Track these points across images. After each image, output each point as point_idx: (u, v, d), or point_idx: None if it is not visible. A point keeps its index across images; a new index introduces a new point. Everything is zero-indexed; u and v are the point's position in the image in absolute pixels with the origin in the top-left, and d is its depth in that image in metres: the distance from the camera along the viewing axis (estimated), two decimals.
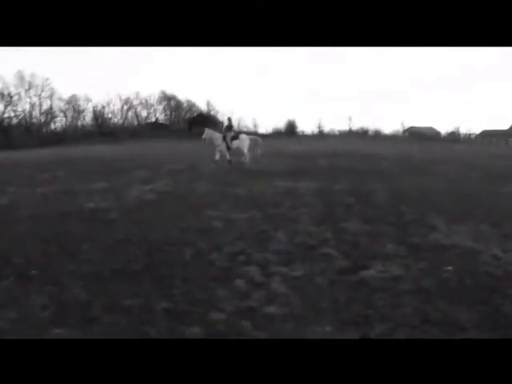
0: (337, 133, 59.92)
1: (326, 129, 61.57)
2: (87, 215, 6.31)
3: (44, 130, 56.74)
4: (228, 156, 14.38)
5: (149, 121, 62.90)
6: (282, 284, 3.40)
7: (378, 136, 54.49)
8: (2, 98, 53.22)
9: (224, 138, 14.44)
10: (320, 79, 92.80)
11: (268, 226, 5.21)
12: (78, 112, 60.32)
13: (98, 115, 60.60)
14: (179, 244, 4.58)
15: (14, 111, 54.59)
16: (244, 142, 14.58)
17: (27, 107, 55.64)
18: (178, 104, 64.98)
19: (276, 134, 55.66)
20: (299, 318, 2.85)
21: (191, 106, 64.49)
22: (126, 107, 62.56)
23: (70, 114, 60.01)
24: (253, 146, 14.73)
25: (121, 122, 61.93)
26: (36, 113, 56.74)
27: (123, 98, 61.38)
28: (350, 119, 72.23)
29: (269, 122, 62.95)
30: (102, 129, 56.71)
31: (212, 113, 60.68)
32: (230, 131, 14.90)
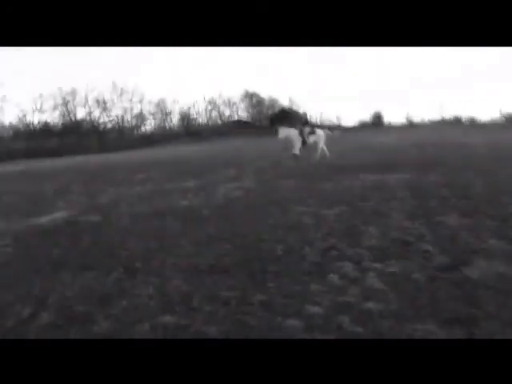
0: (427, 122, 57.13)
1: (416, 119, 58.97)
2: (181, 212, 6.61)
3: (135, 132, 60.28)
4: (300, 151, 14.36)
5: (232, 119, 64.44)
6: (377, 280, 3.33)
7: (472, 124, 51.12)
8: (98, 105, 57.24)
9: (300, 134, 14.39)
10: (320, 79, 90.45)
11: (359, 220, 5.13)
12: (166, 114, 63.34)
13: (185, 116, 63.20)
14: (269, 240, 4.65)
15: (109, 116, 58.55)
16: (320, 137, 14.52)
17: (120, 112, 59.45)
18: (260, 101, 65.95)
19: (361, 127, 54.61)
20: (398, 315, 2.78)
21: (273, 102, 65.17)
22: (210, 107, 64.65)
23: (158, 116, 63.22)
24: (327, 140, 14.70)
25: (206, 121, 64.12)
26: (128, 117, 60.45)
27: (207, 98, 63.48)
28: (442, 107, 68.74)
29: (353, 114, 62.41)
30: (189, 129, 59.05)
31: (294, 108, 60.79)
32: (306, 126, 14.81)
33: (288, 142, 14.46)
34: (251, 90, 65.10)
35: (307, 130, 14.59)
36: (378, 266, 3.62)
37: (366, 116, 61.94)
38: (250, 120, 64.37)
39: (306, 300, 3.04)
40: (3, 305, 3.37)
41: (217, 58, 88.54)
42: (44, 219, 6.88)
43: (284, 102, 64.37)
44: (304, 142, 14.34)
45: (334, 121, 61.30)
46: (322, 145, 14.33)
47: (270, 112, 64.06)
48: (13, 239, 5.59)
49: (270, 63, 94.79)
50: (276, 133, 14.70)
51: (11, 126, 55.78)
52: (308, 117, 15.79)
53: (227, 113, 66.56)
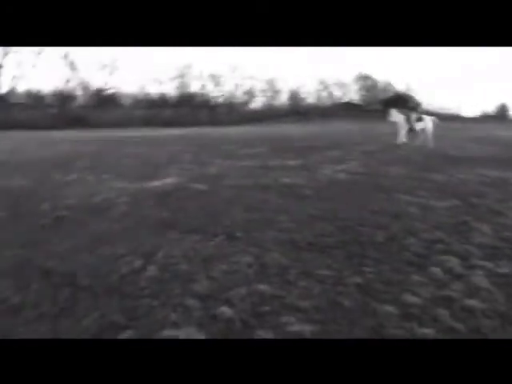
0: None
1: None
2: (283, 189, 6.70)
3: (244, 108, 61.70)
4: (406, 139, 13.72)
5: (343, 101, 63.20)
6: (484, 279, 3.12)
7: None
8: (212, 79, 59.30)
9: (408, 120, 13.66)
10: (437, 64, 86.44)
11: (471, 216, 4.81)
12: (276, 92, 63.82)
13: (294, 95, 63.22)
14: (371, 225, 4.55)
15: (220, 91, 60.48)
16: (428, 124, 13.74)
17: (231, 87, 61.05)
18: (374, 84, 63.79)
19: (484, 118, 50.63)
20: (504, 316, 2.60)
21: (387, 85, 62.66)
22: (320, 87, 63.89)
23: (268, 93, 63.93)
24: (434, 128, 13.90)
25: (315, 101, 63.59)
26: (238, 93, 61.91)
27: (318, 78, 62.91)
28: None
29: (474, 104, 58.21)
30: (297, 108, 59.06)
31: (409, 93, 58.04)
32: (414, 112, 13.98)
33: (396, 127, 13.92)
34: (365, 71, 63.09)
35: (415, 116, 13.82)
36: (487, 264, 3.38)
37: (490, 107, 57.34)
38: (361, 103, 62.63)
39: (404, 289, 2.95)
40: (118, 255, 3.71)
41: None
42: (157, 183, 7.38)
43: (399, 87, 61.60)
44: (412, 129, 13.68)
45: (454, 110, 57.52)
46: (429, 132, 13.61)
47: (383, 96, 61.73)
48: (129, 198, 6.08)
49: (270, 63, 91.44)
50: (388, 115, 14.14)
51: (131, 95, 59.97)
52: (417, 103, 14.90)
53: (338, 94, 65.39)
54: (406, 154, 12.07)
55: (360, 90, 64.44)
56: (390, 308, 2.67)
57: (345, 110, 56.70)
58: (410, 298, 2.81)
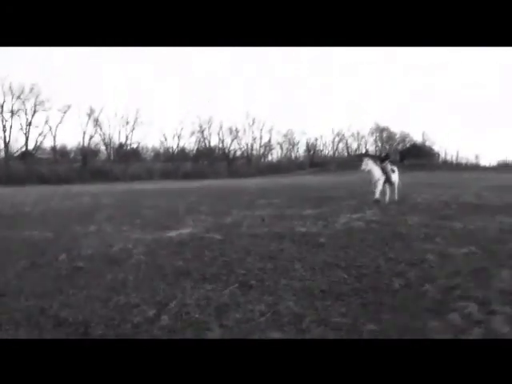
0: None
1: None
2: (298, 238, 6.67)
3: (262, 160, 62.69)
4: (384, 192, 12.04)
5: (359, 152, 63.91)
6: (504, 324, 3.02)
7: None
8: (230, 133, 60.72)
9: (384, 170, 12.09)
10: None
11: (490, 263, 4.70)
12: (293, 144, 64.89)
13: (311, 147, 64.13)
14: (388, 272, 4.49)
15: (239, 144, 61.71)
16: (397, 176, 12.55)
17: (249, 140, 62.28)
18: (391, 135, 64.54)
19: (503, 167, 50.46)
20: None
21: (404, 136, 63.26)
22: (337, 139, 64.83)
23: (285, 146, 65.03)
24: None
25: (332, 153, 64.40)
26: (256, 145, 63.07)
27: (335, 130, 63.98)
28: None
29: (493, 154, 58.21)
30: (314, 160, 59.80)
31: (427, 144, 58.45)
32: (387, 162, 12.58)
33: (371, 178, 12.18)
34: (382, 123, 63.96)
35: (389, 167, 12.39)
36: (507, 310, 3.28)
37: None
38: (377, 154, 63.20)
39: (422, 336, 2.86)
40: (132, 304, 3.71)
41: (347, 90, 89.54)
42: (173, 233, 7.44)
43: (417, 138, 62.19)
44: (388, 181, 12.17)
45: (472, 160, 57.70)
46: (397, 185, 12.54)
47: (400, 146, 62.25)
48: (145, 248, 6.13)
49: (408, 100, 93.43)
50: (362, 164, 12.23)
51: (153, 149, 61.65)
52: (388, 153, 13.36)
53: (355, 146, 66.22)
54: (424, 203, 11.97)
55: (376, 141, 65.18)
56: None
57: (361, 160, 57.17)
58: None
